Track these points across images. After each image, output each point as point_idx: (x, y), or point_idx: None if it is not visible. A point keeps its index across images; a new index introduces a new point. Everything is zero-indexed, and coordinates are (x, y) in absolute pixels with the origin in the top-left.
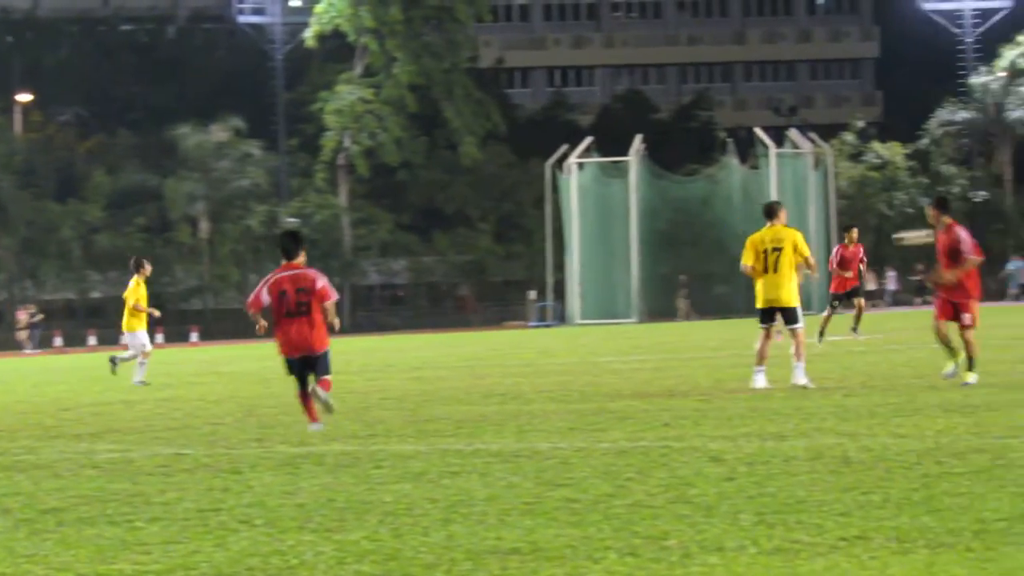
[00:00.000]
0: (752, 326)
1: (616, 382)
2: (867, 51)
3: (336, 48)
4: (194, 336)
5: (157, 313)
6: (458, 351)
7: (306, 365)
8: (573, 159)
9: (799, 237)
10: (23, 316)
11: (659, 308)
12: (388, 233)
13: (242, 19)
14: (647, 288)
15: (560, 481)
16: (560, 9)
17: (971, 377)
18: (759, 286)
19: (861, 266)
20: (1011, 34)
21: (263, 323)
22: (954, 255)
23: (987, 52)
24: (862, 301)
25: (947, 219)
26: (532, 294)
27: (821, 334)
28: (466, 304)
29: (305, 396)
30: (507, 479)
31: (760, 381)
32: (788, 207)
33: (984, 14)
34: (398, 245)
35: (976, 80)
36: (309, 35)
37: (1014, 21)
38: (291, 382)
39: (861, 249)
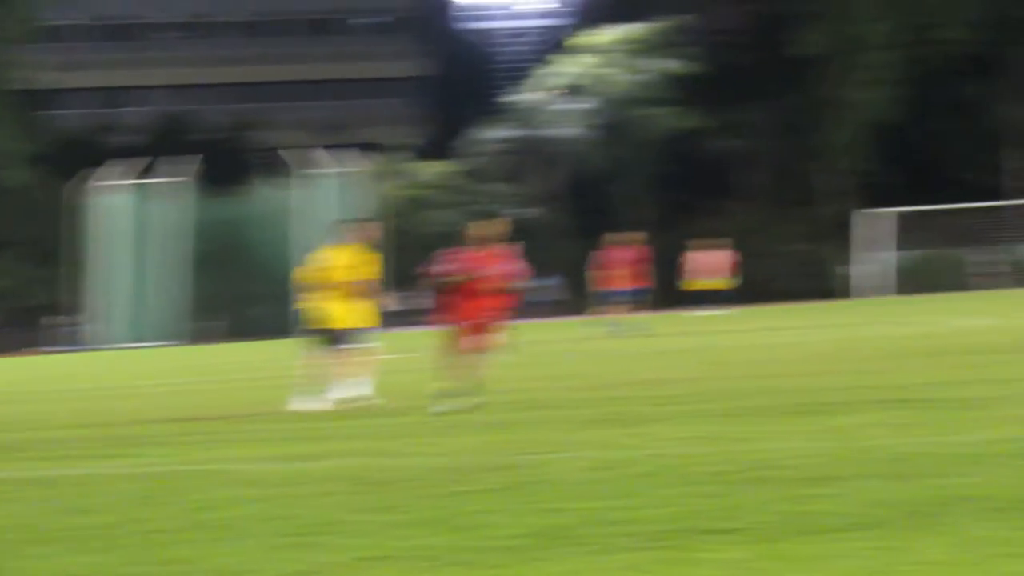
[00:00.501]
0: (290, 346)
1: (147, 406)
2: (410, 70)
3: None
4: None
5: None
6: None
7: None
8: (110, 180)
9: (363, 258)
10: None
11: (200, 330)
12: None
13: None
14: (185, 310)
15: (82, 507)
16: (109, 29)
17: (441, 405)
18: (310, 305)
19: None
20: (544, 55)
21: None
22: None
23: (527, 72)
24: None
25: (498, 240)
26: (53, 319)
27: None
28: None
29: None
30: (26, 506)
31: (315, 402)
32: (324, 228)
33: (525, 34)
34: None
35: (514, 99)
36: None
37: (551, 41)
38: None
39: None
